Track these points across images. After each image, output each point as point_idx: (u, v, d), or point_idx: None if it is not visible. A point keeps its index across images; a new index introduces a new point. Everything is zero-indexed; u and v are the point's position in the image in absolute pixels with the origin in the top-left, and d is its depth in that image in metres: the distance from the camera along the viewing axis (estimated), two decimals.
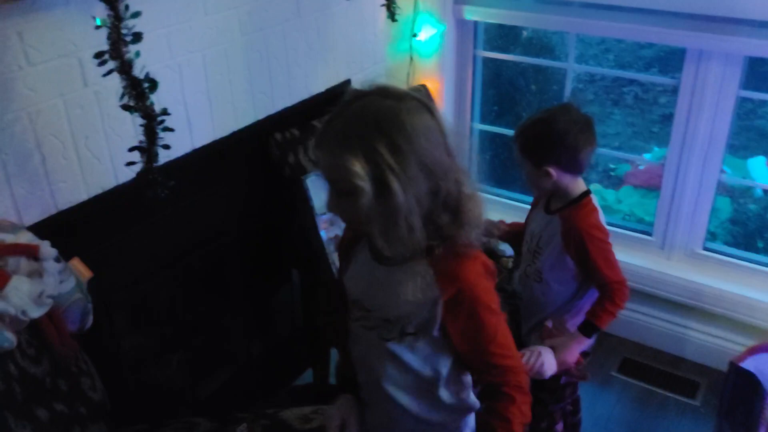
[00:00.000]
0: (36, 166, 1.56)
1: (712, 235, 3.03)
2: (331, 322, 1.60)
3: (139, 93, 1.42)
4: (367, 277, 1.26)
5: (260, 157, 2.08)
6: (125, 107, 1.44)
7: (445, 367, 1.28)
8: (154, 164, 1.51)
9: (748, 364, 1.93)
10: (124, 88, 1.42)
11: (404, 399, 1.30)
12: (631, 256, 2.59)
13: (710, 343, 2.56)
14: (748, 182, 3.34)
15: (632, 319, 2.68)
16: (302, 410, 1.74)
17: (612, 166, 3.90)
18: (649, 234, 2.65)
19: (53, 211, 1.62)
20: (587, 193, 1.83)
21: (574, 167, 1.78)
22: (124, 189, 1.73)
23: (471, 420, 1.37)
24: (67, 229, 1.61)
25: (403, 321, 1.22)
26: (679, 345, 2.64)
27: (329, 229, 2.05)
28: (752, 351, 1.98)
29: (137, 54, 1.41)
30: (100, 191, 1.70)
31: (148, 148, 1.48)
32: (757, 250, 3.23)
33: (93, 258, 1.58)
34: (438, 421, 1.34)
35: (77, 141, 1.63)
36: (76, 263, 1.49)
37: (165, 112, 1.47)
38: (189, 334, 2.10)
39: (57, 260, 1.40)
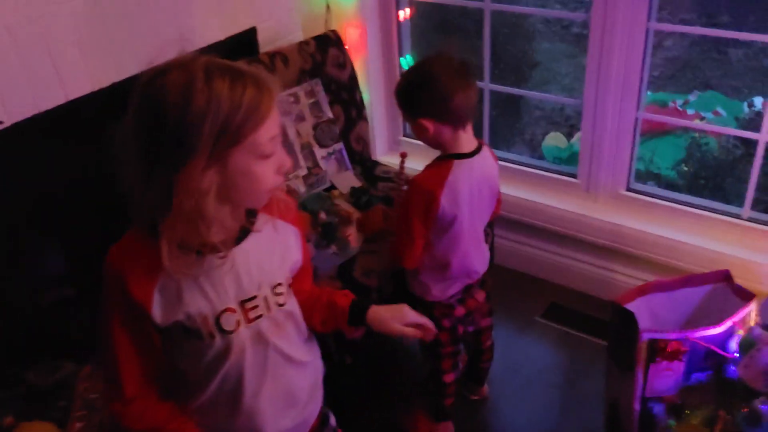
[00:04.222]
0: None
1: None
2: None
3: None
4: (224, 275, 1.12)
5: None
6: None
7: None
8: None
9: (637, 304, 1.90)
10: None
11: (302, 352, 1.29)
12: (557, 200, 2.57)
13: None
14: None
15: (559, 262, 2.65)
16: None
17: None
18: (574, 176, 2.59)
19: None
20: (455, 156, 1.66)
21: (449, 118, 1.62)
22: None
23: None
24: None
25: (288, 271, 1.23)
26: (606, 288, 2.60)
27: None
28: (641, 291, 1.94)
29: None
30: None
31: None
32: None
33: None
34: (312, 359, 1.34)
35: None
36: None
37: None
38: None
39: None
